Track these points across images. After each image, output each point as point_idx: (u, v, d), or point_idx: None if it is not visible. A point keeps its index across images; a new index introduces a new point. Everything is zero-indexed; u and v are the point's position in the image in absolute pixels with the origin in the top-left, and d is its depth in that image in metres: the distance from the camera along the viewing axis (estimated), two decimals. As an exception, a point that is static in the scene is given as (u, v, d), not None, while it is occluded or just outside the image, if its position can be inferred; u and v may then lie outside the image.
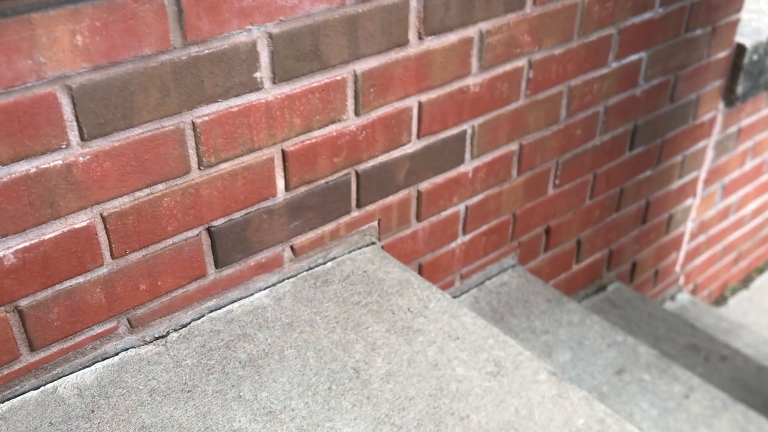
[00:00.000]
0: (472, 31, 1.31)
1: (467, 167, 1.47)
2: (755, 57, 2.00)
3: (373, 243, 1.36)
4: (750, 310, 2.59)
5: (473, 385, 1.05)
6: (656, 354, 1.45)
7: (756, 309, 2.60)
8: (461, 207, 1.52)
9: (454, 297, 1.61)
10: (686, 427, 1.30)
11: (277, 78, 1.10)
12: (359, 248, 1.34)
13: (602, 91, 1.63)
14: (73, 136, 0.94)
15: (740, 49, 1.96)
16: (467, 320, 1.17)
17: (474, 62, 1.35)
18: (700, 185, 2.13)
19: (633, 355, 1.45)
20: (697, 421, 1.32)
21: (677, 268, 2.27)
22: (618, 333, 1.50)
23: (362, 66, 1.19)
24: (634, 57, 1.65)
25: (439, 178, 1.43)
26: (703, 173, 2.12)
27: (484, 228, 1.60)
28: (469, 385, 1.05)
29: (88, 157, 0.96)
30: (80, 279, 1.03)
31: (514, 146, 1.53)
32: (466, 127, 1.42)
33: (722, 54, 1.91)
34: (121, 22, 0.92)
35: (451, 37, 1.29)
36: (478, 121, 1.43)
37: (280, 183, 1.19)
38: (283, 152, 1.17)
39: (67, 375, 1.06)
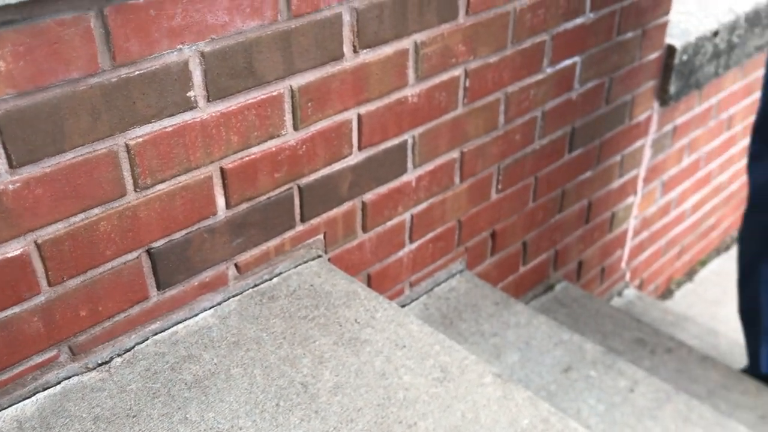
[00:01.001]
0: (406, 43, 1.33)
1: (410, 176, 1.49)
2: (685, 57, 2.06)
3: (320, 256, 1.37)
4: (695, 302, 2.67)
5: (420, 392, 1.06)
6: (602, 350, 1.49)
7: (701, 301, 2.68)
8: (407, 216, 1.53)
9: (404, 305, 1.62)
10: (632, 420, 1.33)
11: (212, 96, 1.10)
12: (305, 262, 1.34)
13: (539, 96, 1.67)
14: (1, 164, 0.92)
15: (671, 50, 2.03)
16: (414, 328, 1.19)
17: (411, 73, 1.37)
18: (640, 183, 2.19)
19: (579, 352, 1.48)
20: (643, 414, 1.35)
21: (623, 264, 2.33)
22: (564, 332, 1.53)
23: (298, 81, 1.20)
24: (568, 62, 1.69)
25: (383, 189, 1.45)
26: (642, 171, 2.18)
27: (430, 235, 1.62)
28: (416, 392, 1.06)
29: (18, 184, 0.95)
30: (16, 309, 1.01)
31: (455, 154, 1.56)
32: (407, 137, 1.43)
33: (654, 55, 1.98)
34: (46, 47, 0.91)
35: (386, 50, 1.30)
36: (418, 131, 1.45)
37: (221, 201, 1.18)
38: (222, 170, 1.16)
39: (5, 408, 1.04)
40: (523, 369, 1.44)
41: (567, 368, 1.44)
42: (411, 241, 1.58)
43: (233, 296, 1.25)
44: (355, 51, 1.26)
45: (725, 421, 1.39)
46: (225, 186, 1.18)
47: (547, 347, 1.49)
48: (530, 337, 1.52)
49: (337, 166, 1.34)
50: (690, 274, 2.81)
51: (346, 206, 1.40)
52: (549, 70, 1.65)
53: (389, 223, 1.50)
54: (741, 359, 2.13)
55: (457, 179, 1.60)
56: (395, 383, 1.07)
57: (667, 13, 1.95)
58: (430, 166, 1.52)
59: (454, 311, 1.59)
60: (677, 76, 2.07)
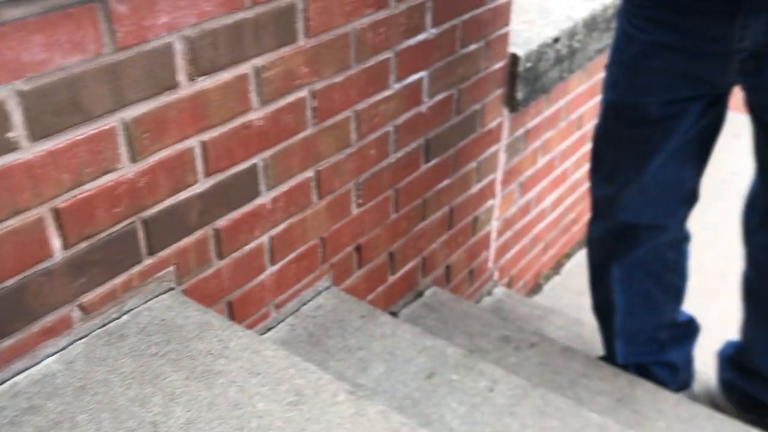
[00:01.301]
0: (245, 68, 1.33)
1: (264, 199, 1.49)
2: (528, 65, 2.18)
3: (172, 289, 1.34)
4: (563, 294, 2.82)
5: (274, 418, 1.06)
6: (463, 353, 1.55)
7: (568, 292, 2.83)
8: (265, 238, 1.53)
9: (270, 328, 1.62)
10: (492, 419, 1.39)
11: (36, 135, 1.06)
12: (157, 296, 1.31)
13: (389, 111, 1.71)
14: None
15: (514, 59, 2.14)
16: (269, 354, 1.19)
17: (254, 97, 1.37)
18: (498, 186, 2.29)
19: (442, 357, 1.53)
20: (502, 412, 1.41)
21: (490, 264, 2.42)
22: (428, 338, 1.58)
23: (131, 113, 1.17)
24: (415, 77, 1.75)
25: (236, 214, 1.44)
26: (499, 175, 2.28)
27: (292, 255, 1.62)
28: (269, 419, 1.06)
29: None
30: None
31: (310, 173, 1.57)
32: (257, 160, 1.43)
33: (498, 65, 2.07)
34: None
35: (225, 75, 1.30)
36: (268, 153, 1.45)
37: (56, 242, 1.14)
38: (55, 210, 1.12)
39: None
40: (389, 379, 1.47)
41: (430, 374, 1.48)
42: (272, 263, 1.58)
43: (79, 339, 1.21)
44: (191, 79, 1.25)
45: (579, 410, 1.47)
46: (60, 226, 1.14)
47: (411, 355, 1.53)
48: (395, 347, 1.55)
49: (183, 195, 1.32)
50: (557, 267, 2.96)
51: (198, 235, 1.38)
52: (396, 86, 1.70)
53: (246, 248, 1.50)
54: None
55: (314, 197, 1.61)
56: (249, 412, 1.07)
57: (507, 23, 2.05)
58: (284, 187, 1.52)
59: (321, 329, 1.61)
60: (523, 82, 2.18)
